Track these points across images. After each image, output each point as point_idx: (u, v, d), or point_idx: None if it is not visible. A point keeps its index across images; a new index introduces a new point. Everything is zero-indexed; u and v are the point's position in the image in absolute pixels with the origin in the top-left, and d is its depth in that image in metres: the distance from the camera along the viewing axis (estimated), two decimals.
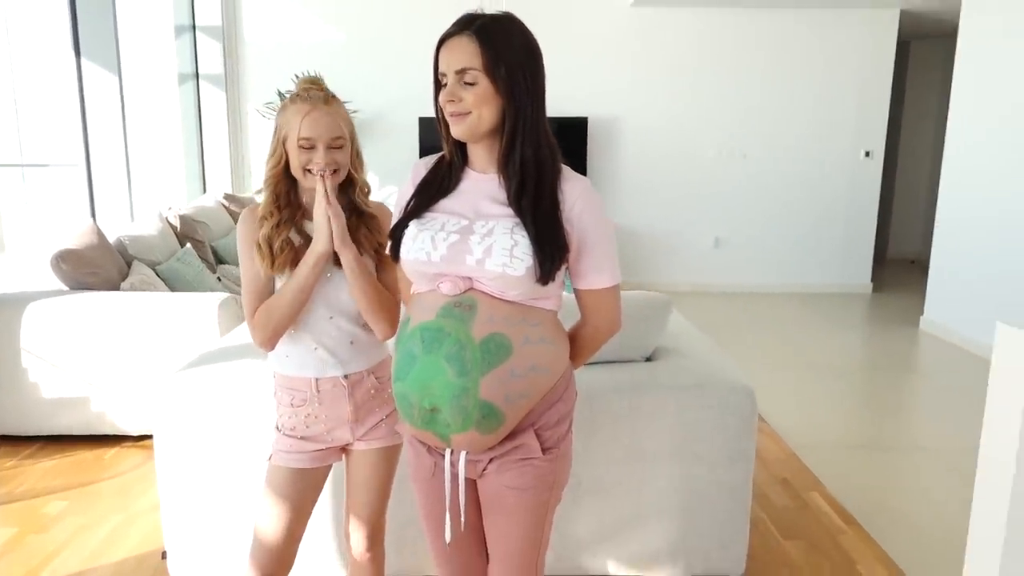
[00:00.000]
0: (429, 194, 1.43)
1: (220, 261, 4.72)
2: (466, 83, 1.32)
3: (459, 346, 1.31)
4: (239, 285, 4.26)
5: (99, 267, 3.51)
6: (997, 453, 1.49)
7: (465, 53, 1.31)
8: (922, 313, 5.75)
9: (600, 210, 1.41)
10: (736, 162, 6.76)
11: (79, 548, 2.59)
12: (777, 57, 6.60)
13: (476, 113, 1.33)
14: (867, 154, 6.74)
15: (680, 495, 2.29)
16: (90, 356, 3.33)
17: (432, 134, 6.30)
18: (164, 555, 2.34)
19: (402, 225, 1.43)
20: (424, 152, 6.35)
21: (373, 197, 1.73)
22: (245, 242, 1.64)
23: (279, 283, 1.62)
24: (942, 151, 5.81)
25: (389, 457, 1.76)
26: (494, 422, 1.34)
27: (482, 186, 1.41)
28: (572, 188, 1.39)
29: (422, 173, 1.48)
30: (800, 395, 4.25)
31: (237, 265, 4.83)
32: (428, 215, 1.41)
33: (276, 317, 1.58)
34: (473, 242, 1.34)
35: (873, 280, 7.00)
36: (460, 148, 1.42)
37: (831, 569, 2.51)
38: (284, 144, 1.59)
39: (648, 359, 2.48)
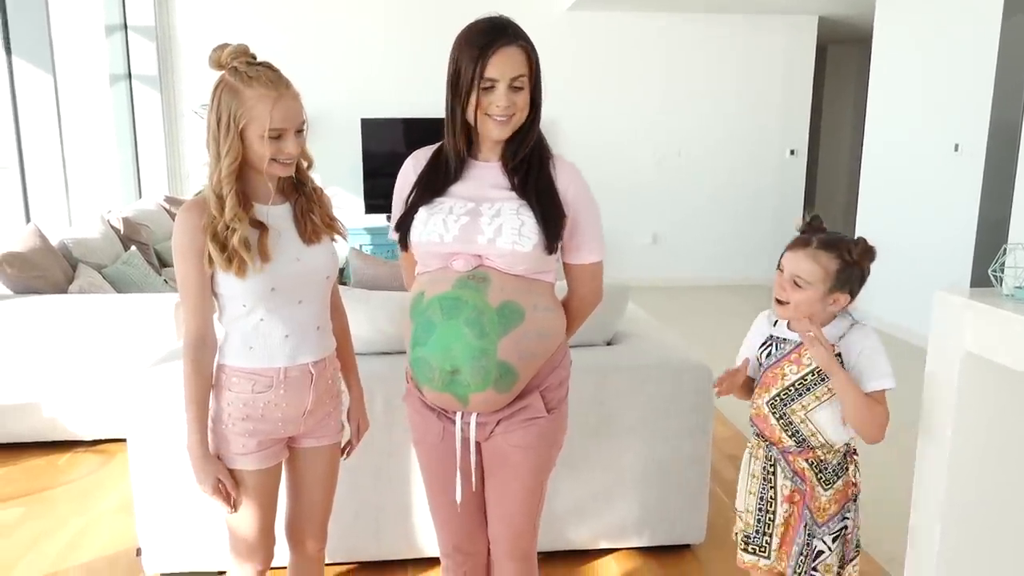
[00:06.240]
0: (435, 182, 1.53)
1: (164, 264, 4.63)
2: (515, 88, 1.44)
3: (478, 312, 1.43)
4: None
5: (45, 270, 3.42)
6: (937, 405, 1.66)
7: (518, 62, 1.44)
8: None
9: (589, 191, 1.56)
10: (671, 162, 7.02)
11: (44, 552, 2.55)
12: (708, 60, 6.88)
13: (520, 115, 1.47)
14: (792, 152, 7.10)
15: (645, 469, 2.43)
16: (40, 361, 3.25)
17: (375, 136, 6.32)
18: (139, 552, 2.33)
19: (411, 212, 1.52)
20: (367, 155, 6.35)
21: None
22: (191, 248, 1.50)
23: (228, 283, 1.53)
24: (859, 149, 6.20)
25: (338, 453, 1.77)
26: (510, 380, 1.46)
27: (485, 173, 1.53)
28: (564, 171, 1.54)
29: (422, 163, 1.58)
30: None
31: None
32: (436, 200, 1.51)
33: (185, 383, 1.57)
34: (483, 223, 1.47)
35: None
36: (466, 140, 1.52)
37: None
38: (242, 135, 1.47)
39: (609, 343, 2.61)
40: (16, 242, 3.42)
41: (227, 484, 1.59)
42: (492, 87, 1.43)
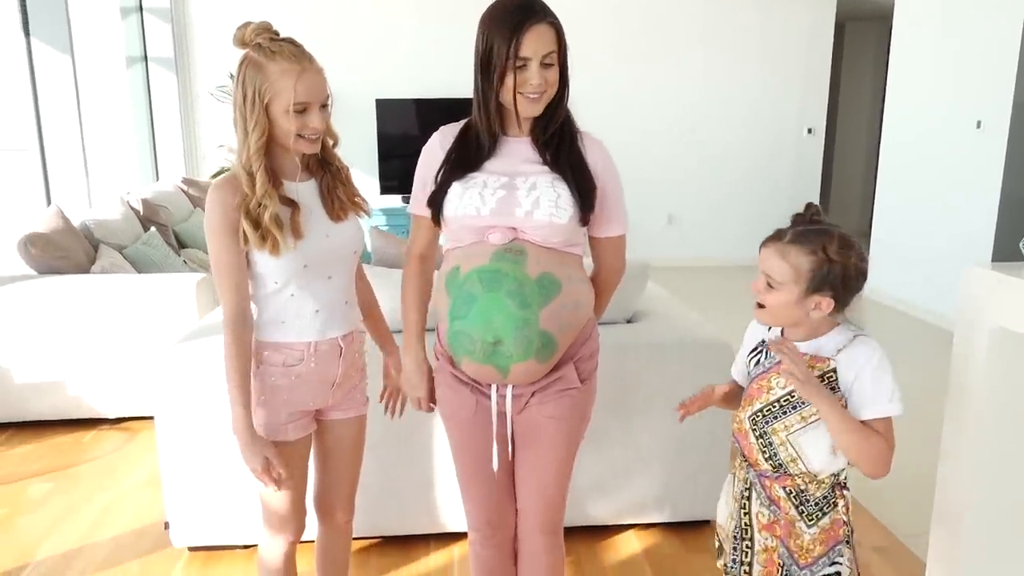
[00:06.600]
0: (467, 158, 1.54)
1: (183, 244, 4.67)
2: (546, 64, 1.44)
3: (518, 283, 1.45)
4: (205, 268, 4.23)
5: (68, 251, 3.46)
6: (965, 380, 1.66)
7: (549, 39, 1.44)
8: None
9: (614, 167, 1.58)
10: (687, 141, 6.96)
11: (73, 526, 2.60)
12: (724, 38, 6.80)
13: (551, 91, 1.48)
14: (809, 131, 7.03)
15: (666, 446, 2.44)
16: (64, 340, 3.29)
17: (389, 117, 6.31)
18: (166, 525, 2.37)
19: (443, 188, 1.53)
20: (382, 136, 6.35)
21: None
22: (225, 225, 1.50)
23: (260, 260, 1.54)
24: (877, 127, 6.12)
25: (364, 425, 1.79)
26: (550, 350, 1.49)
27: (517, 148, 1.55)
28: (592, 147, 1.56)
29: (449, 140, 1.58)
30: None
31: (200, 248, 4.78)
32: (469, 176, 1.52)
33: (228, 361, 1.54)
34: (520, 196, 1.49)
35: None
36: (498, 118, 1.52)
37: None
38: (268, 110, 1.48)
39: (629, 321, 2.61)
40: (39, 223, 3.46)
41: (275, 462, 1.56)
42: (524, 65, 1.43)
